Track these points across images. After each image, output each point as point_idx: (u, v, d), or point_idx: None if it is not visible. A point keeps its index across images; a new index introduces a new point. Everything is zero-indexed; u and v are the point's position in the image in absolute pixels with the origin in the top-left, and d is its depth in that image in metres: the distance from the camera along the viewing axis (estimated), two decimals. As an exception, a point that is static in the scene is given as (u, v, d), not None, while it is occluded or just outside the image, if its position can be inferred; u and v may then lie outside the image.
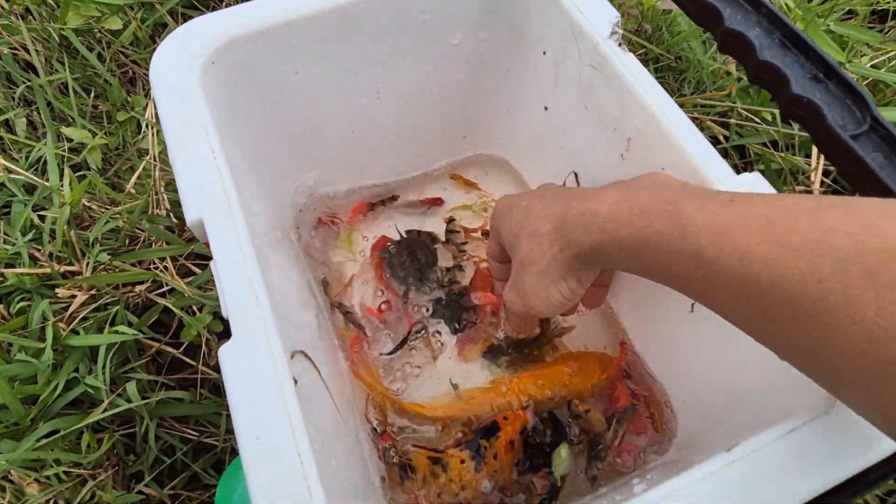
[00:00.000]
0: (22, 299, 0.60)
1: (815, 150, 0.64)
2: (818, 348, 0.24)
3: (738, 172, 0.38)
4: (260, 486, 0.28)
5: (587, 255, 0.34)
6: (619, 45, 0.44)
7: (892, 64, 0.72)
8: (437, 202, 0.61)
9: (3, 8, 0.82)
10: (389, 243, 0.58)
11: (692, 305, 0.43)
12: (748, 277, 0.25)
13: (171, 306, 0.60)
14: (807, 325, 0.24)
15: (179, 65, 0.41)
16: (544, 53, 0.51)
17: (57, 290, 0.61)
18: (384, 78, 0.53)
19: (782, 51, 0.38)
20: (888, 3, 0.82)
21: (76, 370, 0.56)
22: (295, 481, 0.27)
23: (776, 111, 0.69)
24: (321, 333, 0.49)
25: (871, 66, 0.71)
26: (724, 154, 0.70)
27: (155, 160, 0.70)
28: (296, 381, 0.31)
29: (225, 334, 0.45)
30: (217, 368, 0.62)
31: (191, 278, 0.64)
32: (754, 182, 0.37)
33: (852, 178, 0.36)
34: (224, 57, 0.43)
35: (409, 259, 0.56)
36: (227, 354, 0.30)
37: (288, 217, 0.58)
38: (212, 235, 0.34)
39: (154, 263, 0.64)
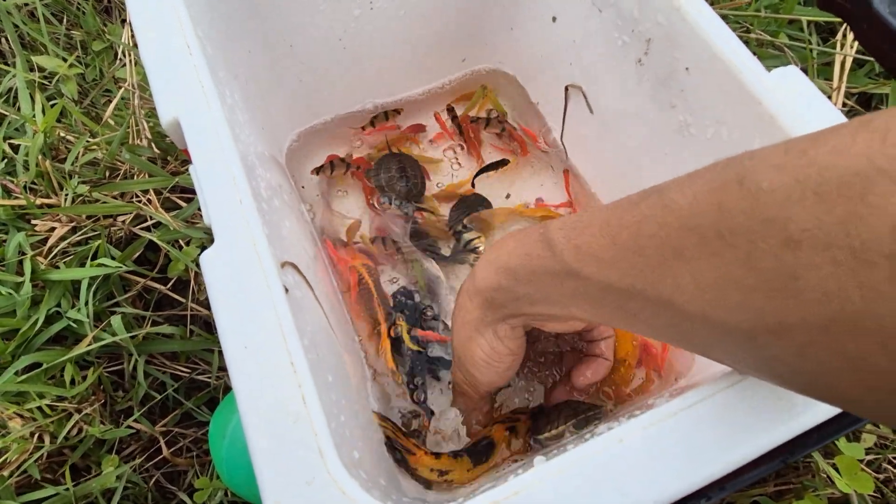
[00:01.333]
0: (-4, 233, 0.57)
1: (836, 70, 0.60)
2: (684, 334, 0.23)
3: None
4: (249, 397, 0.25)
5: (491, 297, 0.33)
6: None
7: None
8: (420, 128, 0.58)
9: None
10: (373, 162, 0.55)
11: None
12: (609, 284, 0.25)
13: (156, 240, 0.57)
14: (664, 314, 0.23)
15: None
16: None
17: (34, 223, 0.57)
18: (378, -16, 0.49)
19: (824, -71, 0.34)
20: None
21: (58, 305, 0.53)
22: (288, 390, 0.25)
23: (796, 32, 0.65)
24: (318, 265, 0.46)
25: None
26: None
27: (134, 88, 0.65)
28: (287, 290, 0.28)
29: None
30: (207, 305, 0.59)
31: (176, 212, 0.60)
32: (790, 76, 0.33)
33: (899, 71, 0.33)
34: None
35: (396, 172, 0.53)
36: (209, 260, 0.28)
37: (279, 148, 0.55)
38: (189, 135, 0.31)
39: (137, 196, 0.60)
